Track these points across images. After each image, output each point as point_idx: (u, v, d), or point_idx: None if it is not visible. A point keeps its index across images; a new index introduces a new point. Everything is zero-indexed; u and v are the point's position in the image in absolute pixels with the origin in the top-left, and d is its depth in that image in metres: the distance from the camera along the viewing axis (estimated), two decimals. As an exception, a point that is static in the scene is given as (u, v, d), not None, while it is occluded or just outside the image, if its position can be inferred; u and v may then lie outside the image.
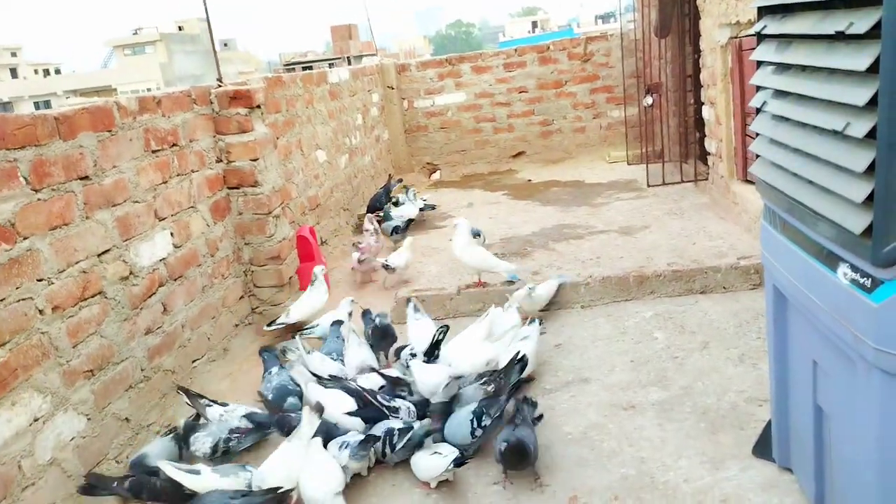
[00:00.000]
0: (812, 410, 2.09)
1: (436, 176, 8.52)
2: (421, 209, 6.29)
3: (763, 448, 2.53)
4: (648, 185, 6.45)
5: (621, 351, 3.53)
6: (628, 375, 3.28)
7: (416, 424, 2.74)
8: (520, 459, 2.53)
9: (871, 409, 1.66)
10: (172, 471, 2.51)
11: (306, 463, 2.54)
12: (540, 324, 3.56)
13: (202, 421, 2.99)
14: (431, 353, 3.31)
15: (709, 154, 5.78)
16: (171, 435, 2.89)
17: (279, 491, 2.44)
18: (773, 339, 2.31)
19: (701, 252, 4.50)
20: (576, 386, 3.26)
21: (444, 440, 2.78)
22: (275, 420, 3.00)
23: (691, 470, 2.53)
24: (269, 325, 4.03)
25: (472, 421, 2.73)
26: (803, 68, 1.89)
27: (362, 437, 2.70)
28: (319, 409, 2.70)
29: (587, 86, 8.48)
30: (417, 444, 2.68)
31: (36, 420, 2.48)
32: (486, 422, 2.73)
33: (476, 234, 4.74)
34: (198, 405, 3.05)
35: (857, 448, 1.78)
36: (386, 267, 4.72)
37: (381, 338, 3.64)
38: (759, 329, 3.52)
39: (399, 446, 2.66)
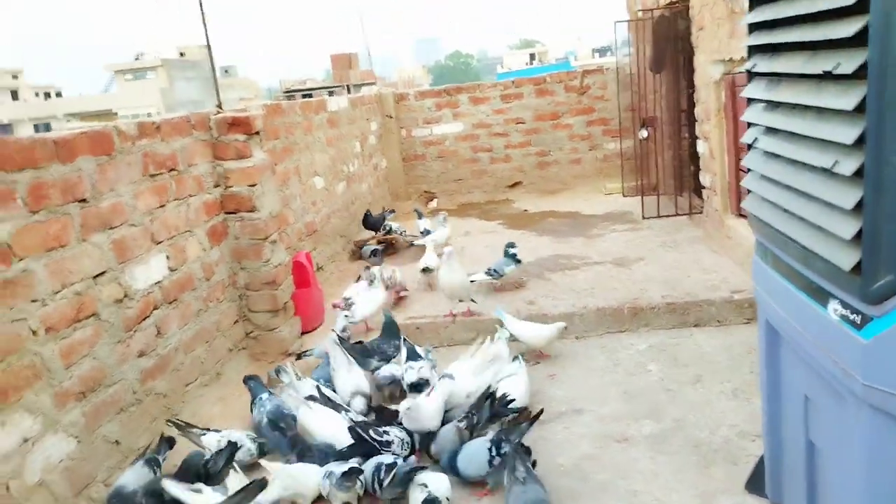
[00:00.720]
0: (804, 446, 2.09)
1: (433, 204, 8.56)
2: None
3: (756, 484, 2.53)
4: (643, 217, 6.49)
5: (615, 382, 3.53)
6: (622, 407, 3.28)
7: (401, 461, 2.72)
8: None
9: (861, 444, 1.66)
10: (176, 490, 2.54)
11: None
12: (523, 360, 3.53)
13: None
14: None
15: (703, 188, 5.84)
16: (142, 461, 2.81)
17: None
18: (766, 373, 2.32)
19: (695, 285, 4.52)
20: (569, 417, 3.25)
21: (455, 474, 2.75)
22: (287, 441, 2.99)
23: (683, 504, 2.52)
24: (338, 309, 4.34)
25: (489, 450, 2.70)
26: (793, 106, 1.93)
27: (347, 467, 2.68)
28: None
29: (583, 118, 8.58)
30: (404, 480, 2.66)
31: (25, 441, 2.46)
32: (506, 448, 2.68)
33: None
34: (191, 436, 3.03)
35: (847, 483, 1.78)
36: (425, 270, 4.94)
37: (390, 333, 3.85)
38: (752, 363, 3.53)
39: (386, 483, 2.64)
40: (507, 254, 4.85)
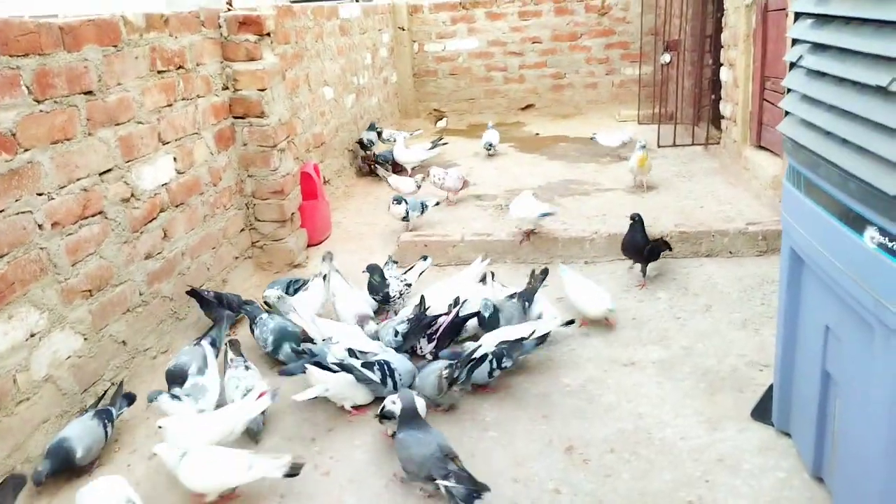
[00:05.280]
0: (819, 376, 2.07)
1: (441, 123, 8.38)
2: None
3: (762, 412, 2.53)
4: (658, 146, 6.34)
5: (623, 308, 3.50)
6: (629, 332, 3.27)
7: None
8: None
9: (886, 374, 1.63)
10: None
11: None
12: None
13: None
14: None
15: (723, 118, 5.68)
16: (92, 412, 2.53)
17: None
18: (785, 302, 2.28)
19: (708, 216, 4.45)
20: (575, 339, 3.24)
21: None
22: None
23: (688, 428, 2.53)
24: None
25: (491, 362, 2.76)
26: (847, 21, 1.81)
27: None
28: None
29: (602, 40, 8.29)
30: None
31: (32, 335, 2.45)
32: (507, 364, 2.80)
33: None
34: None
35: (865, 414, 1.77)
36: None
37: None
38: (763, 295, 3.50)
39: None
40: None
